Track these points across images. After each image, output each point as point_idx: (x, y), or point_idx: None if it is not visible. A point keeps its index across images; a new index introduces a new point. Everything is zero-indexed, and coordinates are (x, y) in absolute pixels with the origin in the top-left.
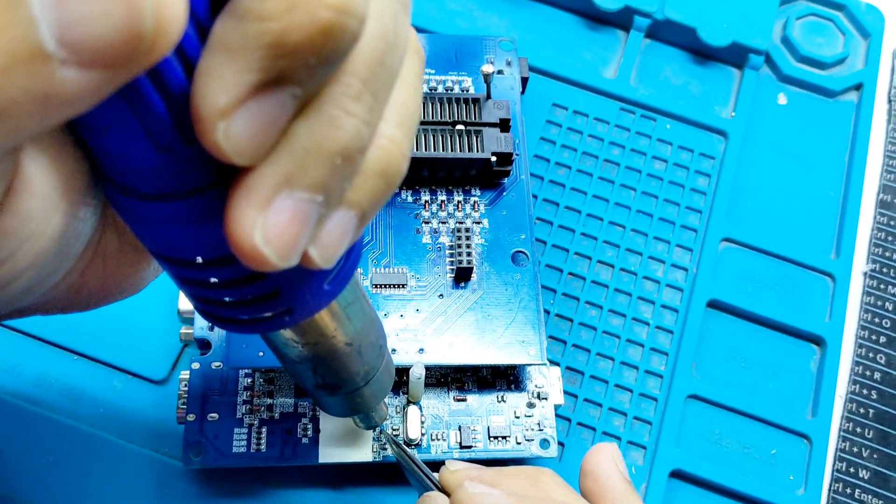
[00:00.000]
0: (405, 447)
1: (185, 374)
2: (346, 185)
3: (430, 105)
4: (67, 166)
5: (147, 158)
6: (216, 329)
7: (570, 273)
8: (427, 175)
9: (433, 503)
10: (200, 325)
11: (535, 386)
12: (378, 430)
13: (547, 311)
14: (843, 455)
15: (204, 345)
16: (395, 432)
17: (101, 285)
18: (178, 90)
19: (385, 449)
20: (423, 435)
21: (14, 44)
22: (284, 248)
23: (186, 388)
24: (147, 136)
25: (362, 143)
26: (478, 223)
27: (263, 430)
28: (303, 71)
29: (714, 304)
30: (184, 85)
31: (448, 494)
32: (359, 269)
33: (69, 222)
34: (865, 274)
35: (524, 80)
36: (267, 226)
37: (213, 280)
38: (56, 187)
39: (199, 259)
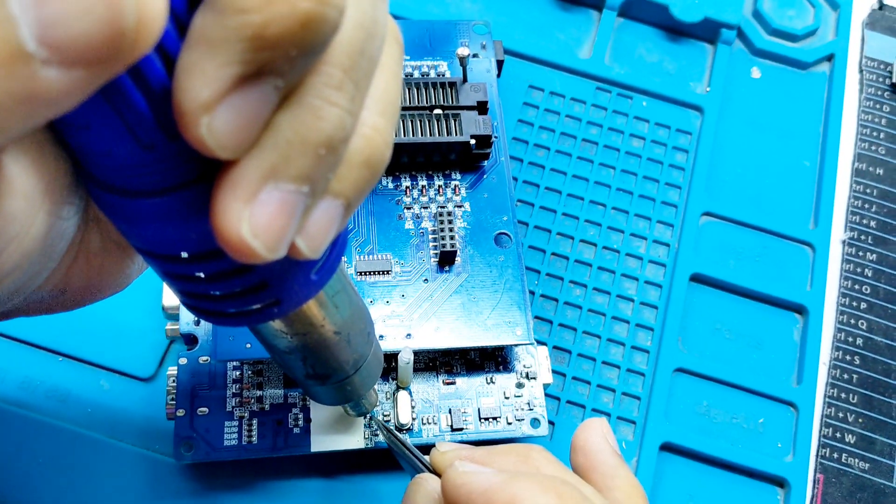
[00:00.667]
0: (395, 432)
1: (172, 370)
2: (331, 175)
3: (407, 90)
4: (49, 165)
5: (130, 155)
6: (202, 324)
7: (553, 253)
8: (406, 161)
9: (424, 484)
10: (186, 320)
11: (524, 366)
12: (369, 416)
13: (532, 292)
14: (829, 421)
15: (190, 340)
16: (385, 418)
17: (85, 284)
18: (158, 86)
19: (377, 435)
20: (413, 419)
21: None
22: (272, 240)
23: (175, 384)
24: (129, 133)
25: (345, 133)
26: (459, 207)
27: (254, 421)
28: (284, 63)
29: (697, 278)
30: (164, 81)
31: (439, 475)
32: (343, 258)
33: (53, 222)
34: (844, 242)
35: (499, 63)
36: (254, 218)
37: (199, 274)
38: (39, 187)
39: (185, 254)
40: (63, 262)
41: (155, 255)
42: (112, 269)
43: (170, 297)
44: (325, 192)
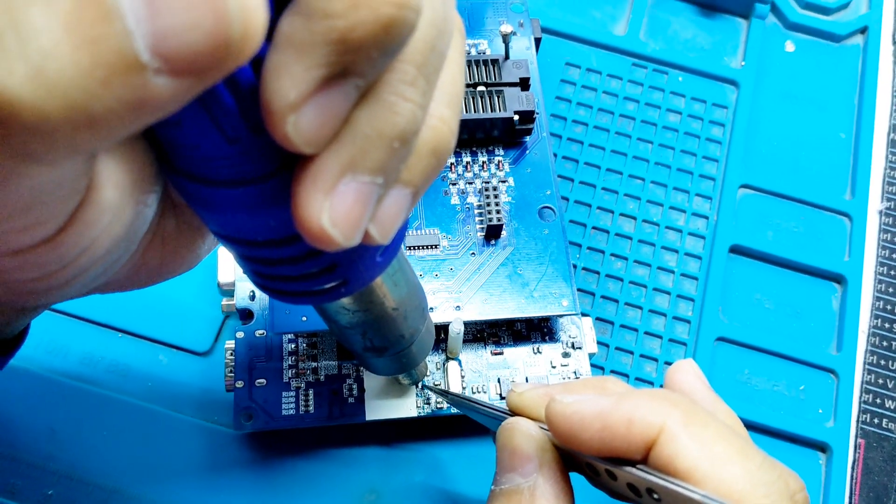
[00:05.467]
0: (457, 392)
1: (230, 344)
2: (402, 166)
3: None
4: (139, 159)
5: (216, 148)
6: (257, 299)
7: (594, 227)
8: None
9: (517, 426)
10: (241, 295)
11: (569, 336)
12: (421, 385)
13: (574, 265)
14: (869, 387)
15: (246, 315)
16: (436, 386)
17: (159, 264)
18: (246, 86)
19: (429, 403)
20: (463, 388)
21: (111, 56)
22: (349, 229)
23: (233, 357)
24: (216, 128)
25: (417, 126)
26: (503, 182)
27: (310, 392)
28: (366, 63)
29: (736, 249)
30: (251, 80)
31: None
32: None
33: (140, 210)
34: (881, 212)
35: (537, 41)
36: (333, 209)
37: (274, 257)
38: (130, 179)
39: (261, 239)
40: (141, 245)
41: (233, 239)
42: (184, 250)
43: (225, 274)
44: (396, 181)
